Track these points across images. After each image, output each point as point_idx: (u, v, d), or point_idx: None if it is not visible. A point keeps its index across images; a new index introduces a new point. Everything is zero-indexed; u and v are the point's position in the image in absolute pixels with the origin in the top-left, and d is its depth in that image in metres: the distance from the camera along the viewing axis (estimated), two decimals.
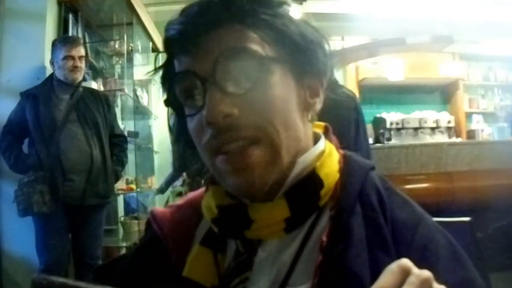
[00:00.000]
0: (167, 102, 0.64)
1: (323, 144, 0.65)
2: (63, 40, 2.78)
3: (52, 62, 2.69)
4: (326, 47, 0.62)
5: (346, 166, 0.63)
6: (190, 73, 0.57)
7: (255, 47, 0.56)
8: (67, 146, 2.57)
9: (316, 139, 0.65)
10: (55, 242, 2.50)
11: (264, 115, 0.56)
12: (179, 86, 0.59)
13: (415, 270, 0.41)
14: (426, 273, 0.41)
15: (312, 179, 0.60)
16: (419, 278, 0.40)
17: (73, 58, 2.64)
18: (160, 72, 0.65)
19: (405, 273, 0.41)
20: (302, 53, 0.59)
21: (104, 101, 2.84)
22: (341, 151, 0.66)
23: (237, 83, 0.56)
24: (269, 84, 0.56)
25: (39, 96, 2.60)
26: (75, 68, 2.65)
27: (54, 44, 2.73)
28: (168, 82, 0.63)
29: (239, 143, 0.56)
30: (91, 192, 2.59)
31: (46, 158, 2.51)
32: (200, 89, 0.56)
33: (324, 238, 0.56)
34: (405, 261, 0.42)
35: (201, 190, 0.70)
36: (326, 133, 0.68)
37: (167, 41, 0.60)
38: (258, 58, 0.55)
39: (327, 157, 0.62)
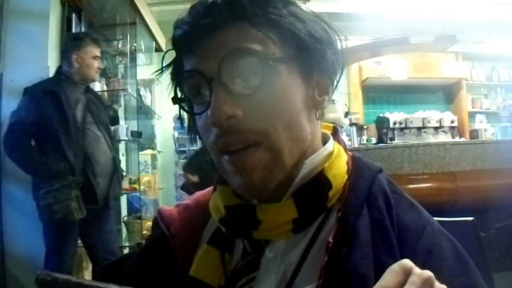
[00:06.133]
0: (174, 100, 0.64)
1: (332, 145, 0.65)
2: (94, 39, 2.66)
3: (76, 59, 2.52)
4: (337, 45, 0.62)
5: (355, 167, 0.63)
6: (196, 73, 0.57)
7: (260, 47, 0.56)
8: (94, 149, 2.49)
9: (324, 140, 0.66)
10: (70, 245, 2.40)
11: (267, 118, 0.56)
12: (187, 83, 0.60)
13: (416, 270, 0.41)
14: (428, 273, 0.41)
15: (320, 180, 0.60)
16: (420, 278, 0.41)
17: (99, 59, 2.62)
18: (165, 73, 0.66)
19: (407, 273, 0.41)
20: (310, 52, 0.58)
21: (104, 104, 2.81)
22: (350, 153, 0.66)
23: (242, 83, 0.56)
24: (274, 86, 0.56)
25: (60, 94, 2.39)
26: (99, 69, 2.63)
27: (82, 39, 2.58)
28: (176, 80, 0.64)
29: (241, 145, 0.56)
30: (112, 195, 2.57)
31: (76, 162, 2.36)
32: (207, 88, 0.57)
33: (330, 239, 0.56)
34: (407, 261, 0.42)
35: (209, 189, 0.71)
36: (334, 134, 0.68)
37: (174, 40, 0.61)
38: (263, 59, 0.55)
39: (335, 159, 0.62)
